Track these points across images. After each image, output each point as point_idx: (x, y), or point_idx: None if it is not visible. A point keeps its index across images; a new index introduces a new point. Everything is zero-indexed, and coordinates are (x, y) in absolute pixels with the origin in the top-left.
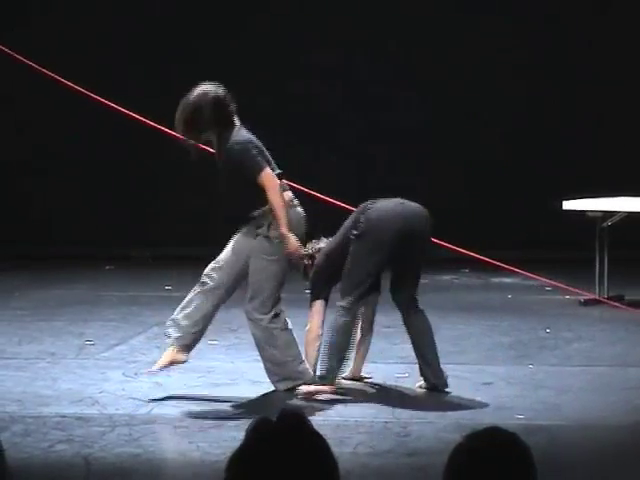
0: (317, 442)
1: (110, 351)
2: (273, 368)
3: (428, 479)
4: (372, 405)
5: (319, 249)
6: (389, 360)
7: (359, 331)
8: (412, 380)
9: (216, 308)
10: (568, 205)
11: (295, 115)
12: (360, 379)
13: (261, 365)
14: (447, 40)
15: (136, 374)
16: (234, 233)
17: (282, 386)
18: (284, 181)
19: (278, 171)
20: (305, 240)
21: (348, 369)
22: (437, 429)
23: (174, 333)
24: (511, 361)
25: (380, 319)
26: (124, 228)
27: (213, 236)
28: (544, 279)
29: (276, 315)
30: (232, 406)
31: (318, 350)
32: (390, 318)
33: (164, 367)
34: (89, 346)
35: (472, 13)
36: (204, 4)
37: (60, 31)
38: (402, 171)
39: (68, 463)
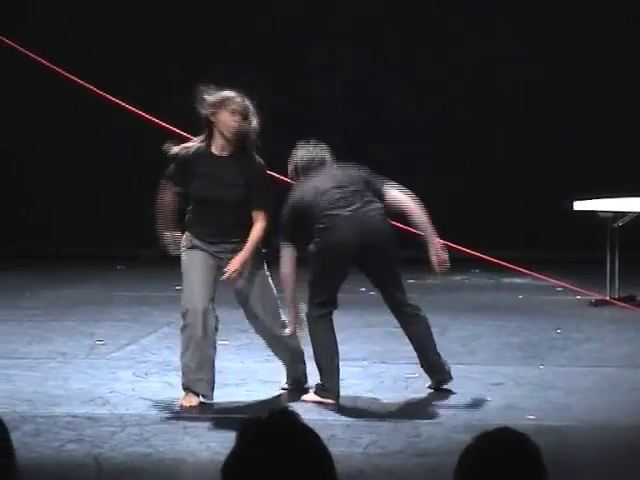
0: (308, 438)
1: (121, 351)
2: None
3: (439, 479)
4: (382, 405)
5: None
6: (399, 361)
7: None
8: (422, 381)
9: None
10: (579, 206)
11: (295, 115)
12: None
13: (271, 365)
14: (447, 40)
15: (146, 374)
16: None
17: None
18: None
19: None
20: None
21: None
22: (447, 430)
23: None
24: (521, 362)
25: (390, 320)
26: (131, 228)
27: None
28: (567, 285)
29: None
30: (242, 406)
31: (293, 288)
32: None
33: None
34: (100, 346)
35: (472, 13)
36: (204, 4)
37: (60, 31)
38: (402, 171)
39: (79, 463)
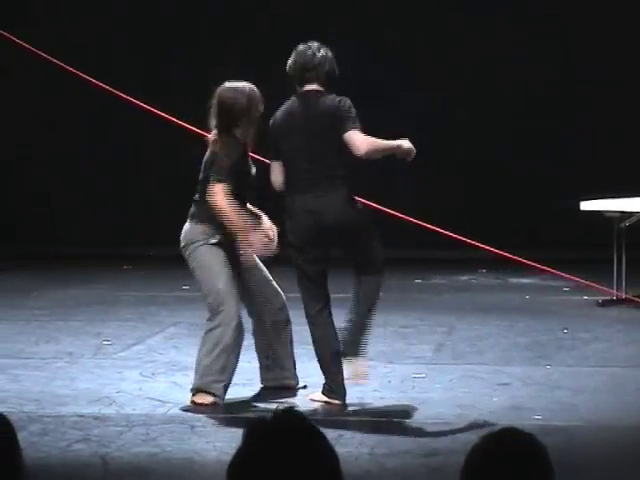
0: (315, 438)
1: (127, 351)
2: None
3: (445, 479)
4: (389, 405)
5: None
6: (406, 360)
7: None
8: (429, 380)
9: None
10: (586, 206)
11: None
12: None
13: None
14: (447, 40)
15: (153, 374)
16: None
17: None
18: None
19: None
20: None
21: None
22: (454, 430)
23: None
24: (528, 362)
25: (397, 319)
26: (139, 227)
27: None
28: (578, 279)
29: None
30: (249, 406)
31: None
32: (407, 319)
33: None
34: (107, 346)
35: (472, 13)
36: (204, 4)
37: (60, 31)
38: (402, 171)
39: (85, 463)
